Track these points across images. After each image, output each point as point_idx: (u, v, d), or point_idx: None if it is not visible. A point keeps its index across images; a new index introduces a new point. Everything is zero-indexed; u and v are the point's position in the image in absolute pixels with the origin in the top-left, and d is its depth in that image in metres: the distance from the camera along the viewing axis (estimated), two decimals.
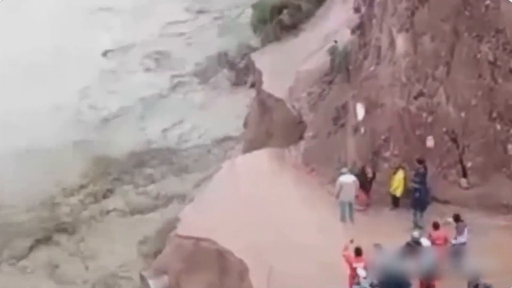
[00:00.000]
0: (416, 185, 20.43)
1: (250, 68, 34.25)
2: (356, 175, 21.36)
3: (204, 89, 38.19)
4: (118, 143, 34.59)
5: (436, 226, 18.44)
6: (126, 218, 31.50)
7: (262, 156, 25.81)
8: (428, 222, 19.31)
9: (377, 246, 17.18)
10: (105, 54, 40.46)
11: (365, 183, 21.65)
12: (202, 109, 36.90)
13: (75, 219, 31.30)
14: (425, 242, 17.45)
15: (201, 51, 39.96)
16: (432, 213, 20.08)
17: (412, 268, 16.68)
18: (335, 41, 26.60)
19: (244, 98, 34.78)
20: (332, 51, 26.40)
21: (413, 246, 17.11)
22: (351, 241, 17.48)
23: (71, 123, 35.80)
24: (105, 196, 32.47)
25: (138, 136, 35.35)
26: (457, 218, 18.55)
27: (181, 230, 22.85)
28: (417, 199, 20.40)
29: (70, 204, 31.97)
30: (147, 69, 39.92)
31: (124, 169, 33.59)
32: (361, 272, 16.53)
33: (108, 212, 31.79)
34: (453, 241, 18.37)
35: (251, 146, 28.40)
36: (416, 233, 17.52)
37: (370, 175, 21.78)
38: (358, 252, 17.29)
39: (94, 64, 39.23)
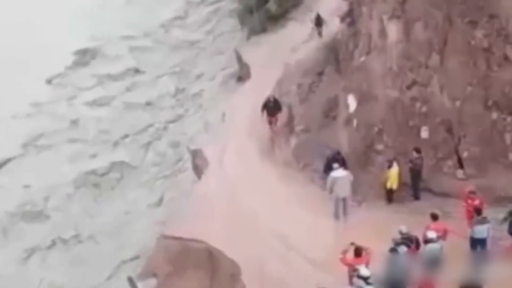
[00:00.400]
0: None
1: (237, 61, 33.21)
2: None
3: None
4: None
5: (434, 217, 17.32)
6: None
7: (252, 155, 24.78)
8: (425, 214, 18.30)
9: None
10: None
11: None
12: None
13: None
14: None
15: None
16: (428, 205, 19.17)
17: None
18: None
19: None
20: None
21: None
22: (352, 244, 16.52)
23: None
24: None
25: None
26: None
27: (168, 231, 22.00)
28: None
29: None
30: None
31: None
32: (365, 272, 15.53)
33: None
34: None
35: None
36: (403, 228, 16.70)
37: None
38: (357, 252, 16.37)
39: None
